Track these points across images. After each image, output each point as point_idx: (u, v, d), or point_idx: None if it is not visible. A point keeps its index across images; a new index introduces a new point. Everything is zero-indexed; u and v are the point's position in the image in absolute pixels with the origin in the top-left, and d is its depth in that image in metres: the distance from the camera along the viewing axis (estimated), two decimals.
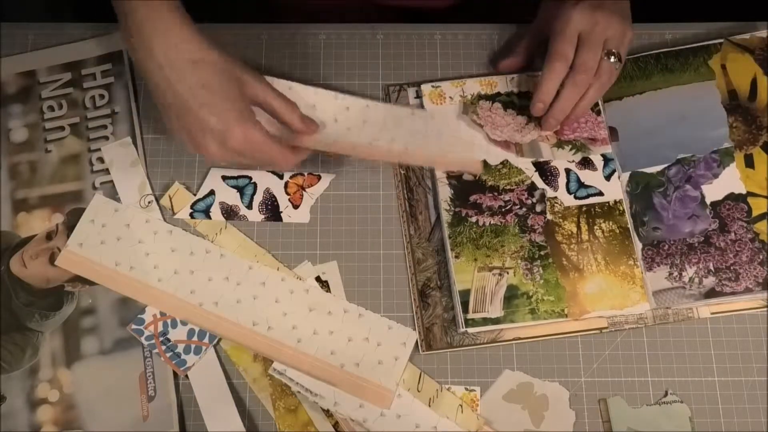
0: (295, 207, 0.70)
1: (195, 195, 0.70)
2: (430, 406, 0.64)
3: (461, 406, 0.64)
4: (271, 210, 0.70)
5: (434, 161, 0.70)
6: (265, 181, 0.70)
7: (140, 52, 0.60)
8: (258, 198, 0.70)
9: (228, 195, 0.70)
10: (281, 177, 0.70)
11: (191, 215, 0.69)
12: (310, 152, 0.66)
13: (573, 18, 0.65)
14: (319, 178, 0.70)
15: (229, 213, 0.69)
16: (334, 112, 0.70)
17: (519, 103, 0.71)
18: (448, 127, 0.71)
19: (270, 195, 0.70)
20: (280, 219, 0.69)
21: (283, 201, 0.70)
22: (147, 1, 0.58)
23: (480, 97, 0.72)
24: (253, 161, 0.63)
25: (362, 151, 0.69)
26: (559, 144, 0.71)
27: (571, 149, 0.70)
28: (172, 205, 0.69)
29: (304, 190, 0.70)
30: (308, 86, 0.70)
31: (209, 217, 0.69)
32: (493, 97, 0.72)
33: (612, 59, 0.65)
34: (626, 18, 0.67)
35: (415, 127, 0.71)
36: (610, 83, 0.67)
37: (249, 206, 0.70)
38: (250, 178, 0.70)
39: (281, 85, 0.68)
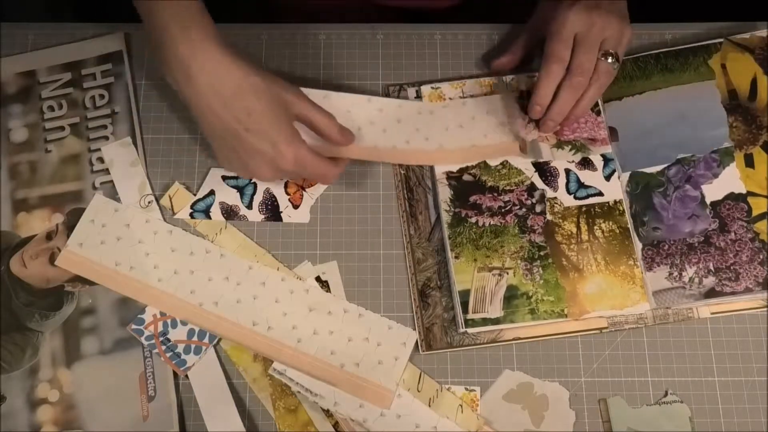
0: (295, 207, 0.70)
1: (195, 195, 0.70)
2: (430, 406, 0.64)
3: (461, 406, 0.64)
4: (271, 210, 0.70)
5: (470, 155, 0.70)
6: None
7: (183, 84, 0.60)
8: (258, 198, 0.70)
9: (228, 195, 0.70)
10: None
11: (191, 215, 0.69)
12: (348, 162, 0.68)
13: (569, 19, 0.65)
14: None
15: (229, 213, 0.69)
16: (368, 116, 0.71)
17: (522, 101, 0.71)
18: (479, 110, 0.72)
19: (270, 195, 0.70)
20: (280, 219, 0.69)
21: (283, 201, 0.70)
22: (187, 32, 0.59)
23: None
24: (301, 177, 0.66)
25: (400, 156, 0.70)
26: (559, 144, 0.71)
27: (570, 149, 0.70)
28: (172, 205, 0.69)
29: (304, 190, 0.70)
30: (341, 93, 0.71)
31: (209, 217, 0.69)
32: None
33: (609, 60, 0.65)
34: (624, 17, 0.67)
35: (447, 118, 0.71)
36: (608, 83, 0.67)
37: (249, 206, 0.70)
38: (250, 179, 0.70)
39: (317, 95, 0.69)
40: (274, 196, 0.70)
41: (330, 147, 0.67)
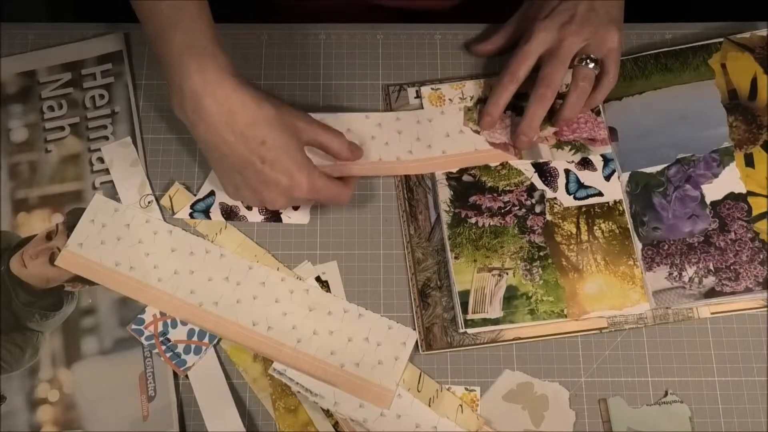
0: (295, 208, 0.70)
1: (195, 195, 0.70)
2: (430, 406, 0.64)
3: (461, 406, 0.64)
4: (271, 211, 0.70)
5: (474, 159, 0.70)
6: None
7: (194, 116, 0.60)
8: None
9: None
10: None
11: (191, 215, 0.69)
12: (358, 180, 0.69)
13: (536, 38, 0.66)
14: None
15: (229, 213, 0.69)
16: (368, 132, 0.71)
17: (516, 104, 0.71)
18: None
19: None
20: (279, 220, 0.69)
21: None
22: (201, 63, 0.58)
23: (479, 101, 0.72)
24: (314, 203, 0.67)
25: (405, 167, 0.70)
26: (559, 145, 0.71)
27: (570, 149, 0.70)
28: (172, 205, 0.69)
29: None
30: (338, 114, 0.72)
31: (209, 218, 0.69)
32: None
33: (591, 65, 0.66)
34: (610, 22, 0.66)
35: (447, 124, 0.72)
36: (590, 88, 0.68)
37: (249, 207, 0.70)
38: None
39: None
40: None
41: (338, 166, 0.68)
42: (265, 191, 0.63)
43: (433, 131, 0.71)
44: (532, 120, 0.68)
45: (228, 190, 0.66)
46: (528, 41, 0.67)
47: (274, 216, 0.70)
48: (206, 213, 0.69)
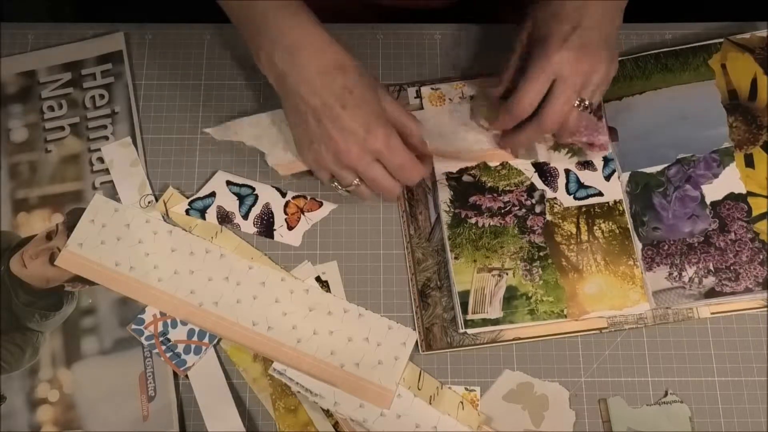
0: (290, 228, 0.69)
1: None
2: (431, 403, 0.64)
3: (462, 402, 0.64)
4: (266, 225, 0.69)
5: (469, 156, 0.70)
6: (267, 195, 0.70)
7: (288, 68, 0.61)
8: (256, 210, 0.70)
9: (227, 200, 0.70)
10: (284, 195, 0.70)
11: (187, 212, 0.69)
12: (431, 167, 0.69)
13: (553, 61, 0.61)
14: (320, 204, 0.70)
15: (224, 218, 0.69)
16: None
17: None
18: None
19: (268, 210, 0.70)
20: (272, 236, 0.69)
21: (279, 219, 0.69)
22: (291, 12, 0.61)
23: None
24: (386, 167, 0.63)
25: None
26: (557, 146, 0.70)
27: (567, 153, 0.70)
28: (166, 210, 0.69)
29: (303, 214, 0.70)
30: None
31: (204, 218, 0.69)
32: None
33: (581, 108, 0.63)
34: (612, 52, 0.64)
35: (442, 123, 0.71)
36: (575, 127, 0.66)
37: (245, 216, 0.69)
38: (253, 189, 0.70)
39: None
40: (271, 213, 0.70)
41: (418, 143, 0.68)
42: (340, 139, 0.61)
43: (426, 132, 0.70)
44: (521, 141, 0.68)
45: (302, 149, 0.65)
46: (545, 65, 0.62)
47: (266, 231, 0.69)
48: (202, 213, 0.69)
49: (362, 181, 0.64)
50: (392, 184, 0.64)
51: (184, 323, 0.66)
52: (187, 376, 0.65)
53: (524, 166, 0.70)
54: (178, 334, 0.66)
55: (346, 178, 0.64)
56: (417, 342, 0.66)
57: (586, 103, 0.63)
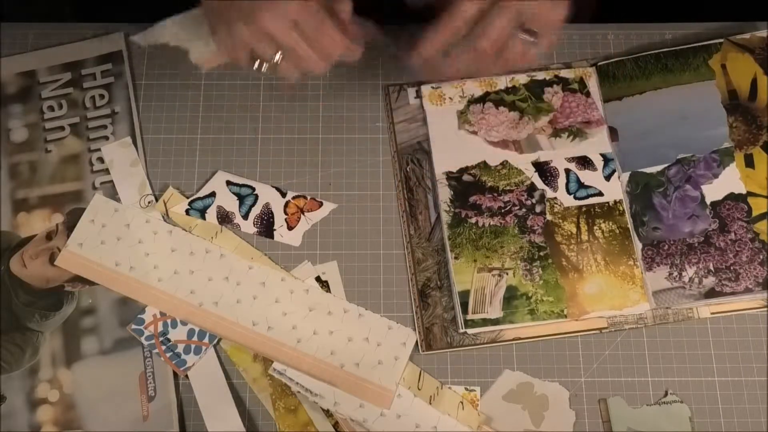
0: (290, 228, 0.69)
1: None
2: (431, 403, 0.64)
3: (462, 402, 0.64)
4: (266, 225, 0.69)
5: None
6: (267, 195, 0.70)
7: None
8: (256, 210, 0.70)
9: (227, 200, 0.70)
10: (284, 195, 0.70)
11: (187, 212, 0.69)
12: (360, 50, 0.64)
13: None
14: (320, 204, 0.70)
15: (224, 218, 0.69)
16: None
17: (508, 99, 0.71)
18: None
19: (268, 210, 0.70)
20: (272, 236, 0.69)
21: (279, 219, 0.69)
22: None
23: (470, 101, 0.72)
24: (304, 36, 0.59)
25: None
26: (556, 133, 0.71)
27: (568, 136, 0.70)
28: (166, 210, 0.69)
29: (303, 214, 0.70)
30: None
31: (204, 218, 0.69)
32: (483, 98, 0.72)
33: (531, 39, 0.60)
34: None
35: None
36: (517, 63, 0.62)
37: (245, 216, 0.69)
38: (253, 189, 0.70)
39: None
40: (271, 213, 0.70)
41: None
42: (256, 7, 0.57)
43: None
44: (453, 71, 0.63)
45: (221, 35, 0.61)
46: None
47: (266, 231, 0.69)
48: (202, 213, 0.69)
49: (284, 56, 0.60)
50: (311, 55, 0.60)
51: (184, 323, 0.66)
52: (187, 376, 0.65)
53: (524, 165, 0.70)
54: (178, 334, 0.66)
55: (266, 51, 0.60)
56: (417, 342, 0.66)
57: (529, 35, 0.60)
